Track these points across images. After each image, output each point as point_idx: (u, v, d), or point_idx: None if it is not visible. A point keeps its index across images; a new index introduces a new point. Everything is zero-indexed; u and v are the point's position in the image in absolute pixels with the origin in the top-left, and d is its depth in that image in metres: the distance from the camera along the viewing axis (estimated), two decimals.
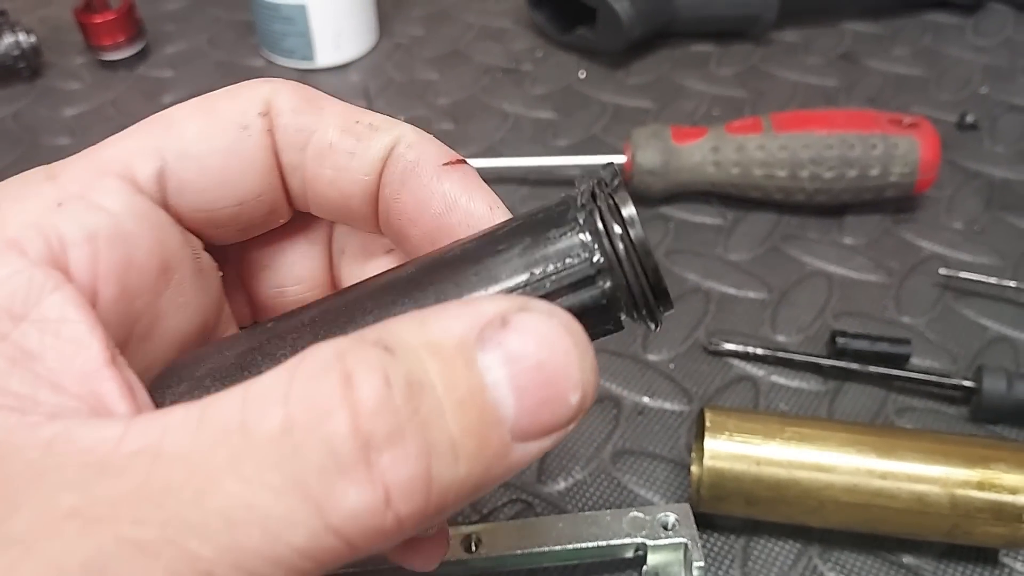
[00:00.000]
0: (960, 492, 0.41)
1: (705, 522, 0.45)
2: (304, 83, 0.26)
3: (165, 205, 0.24)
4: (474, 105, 0.75)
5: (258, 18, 0.78)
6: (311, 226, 0.29)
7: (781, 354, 0.53)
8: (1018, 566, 0.44)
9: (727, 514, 0.44)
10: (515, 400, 0.18)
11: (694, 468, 0.45)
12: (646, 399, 0.52)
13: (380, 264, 0.29)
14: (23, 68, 0.77)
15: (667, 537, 0.41)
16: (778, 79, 0.78)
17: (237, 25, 0.85)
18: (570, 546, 0.41)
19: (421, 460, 0.17)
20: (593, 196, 0.22)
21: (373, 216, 0.27)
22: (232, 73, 0.79)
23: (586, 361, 0.19)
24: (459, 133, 0.72)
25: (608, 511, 0.42)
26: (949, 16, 0.85)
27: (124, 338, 0.23)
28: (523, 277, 0.21)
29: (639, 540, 0.41)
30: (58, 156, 0.23)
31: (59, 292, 0.20)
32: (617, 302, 0.22)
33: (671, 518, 0.42)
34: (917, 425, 0.51)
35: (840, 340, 0.53)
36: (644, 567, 0.42)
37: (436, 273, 0.22)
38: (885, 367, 0.52)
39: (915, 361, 0.54)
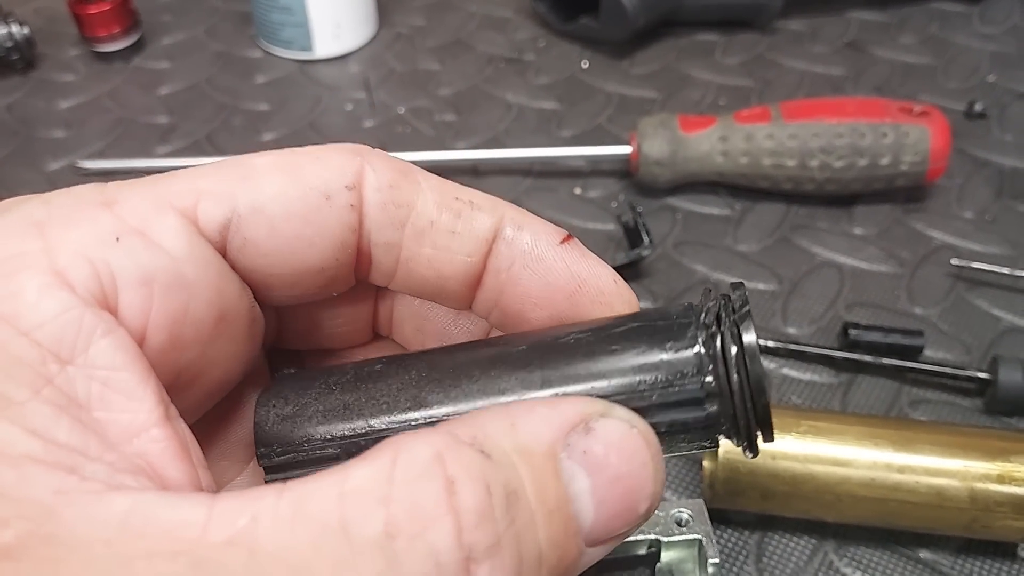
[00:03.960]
0: (979, 486, 0.41)
1: (718, 517, 0.44)
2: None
3: (223, 255, 0.23)
4: (476, 95, 0.74)
5: (256, 8, 0.77)
6: (360, 289, 0.27)
7: (793, 346, 0.52)
8: None
9: (741, 509, 0.43)
10: (594, 512, 0.19)
11: (707, 463, 0.44)
12: None
13: (435, 329, 0.28)
14: (17, 60, 0.76)
15: (681, 533, 0.40)
16: (785, 68, 0.77)
17: (234, 15, 0.84)
18: None
19: (513, 573, 0.17)
20: (718, 318, 0.22)
21: (467, 297, 0.25)
22: (230, 65, 0.78)
23: (659, 473, 0.20)
24: (462, 124, 0.71)
25: None
26: (955, 4, 0.84)
27: (167, 388, 0.21)
28: (630, 381, 0.22)
29: (652, 537, 0.40)
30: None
31: (110, 337, 0.19)
32: (718, 426, 0.22)
33: (684, 514, 0.41)
34: (931, 417, 0.50)
35: (853, 332, 0.52)
36: (658, 564, 0.41)
37: (548, 359, 0.22)
38: (898, 359, 0.51)
39: (928, 353, 0.53)
